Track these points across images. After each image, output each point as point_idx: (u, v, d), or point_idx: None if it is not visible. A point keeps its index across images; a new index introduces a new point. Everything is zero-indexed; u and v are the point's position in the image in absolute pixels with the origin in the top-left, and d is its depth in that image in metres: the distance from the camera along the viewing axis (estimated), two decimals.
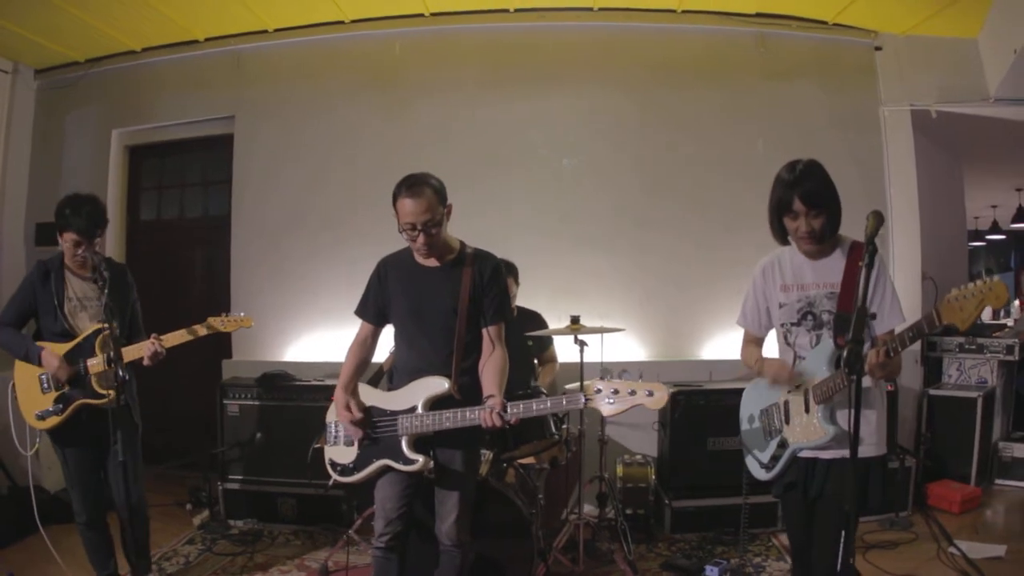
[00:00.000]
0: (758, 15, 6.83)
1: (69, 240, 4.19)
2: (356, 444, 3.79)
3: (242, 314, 4.44)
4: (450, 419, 3.54)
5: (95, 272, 3.96)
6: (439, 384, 3.62)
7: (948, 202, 8.30)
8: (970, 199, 10.30)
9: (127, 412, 4.15)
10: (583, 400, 3.32)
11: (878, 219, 3.08)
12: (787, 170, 3.27)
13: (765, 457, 3.50)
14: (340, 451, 3.85)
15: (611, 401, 3.26)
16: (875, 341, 3.21)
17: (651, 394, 3.22)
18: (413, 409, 3.63)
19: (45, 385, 4.25)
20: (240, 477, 6.11)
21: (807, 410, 3.28)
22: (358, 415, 3.70)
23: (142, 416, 4.46)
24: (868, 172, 6.77)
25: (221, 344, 6.73)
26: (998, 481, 6.66)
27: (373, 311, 3.88)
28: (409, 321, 3.78)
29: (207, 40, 7.30)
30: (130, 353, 4.14)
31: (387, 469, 3.70)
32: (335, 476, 3.88)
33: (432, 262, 3.73)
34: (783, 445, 3.40)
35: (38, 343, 4.26)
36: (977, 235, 16.09)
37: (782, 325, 3.47)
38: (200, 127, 7.54)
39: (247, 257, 7.20)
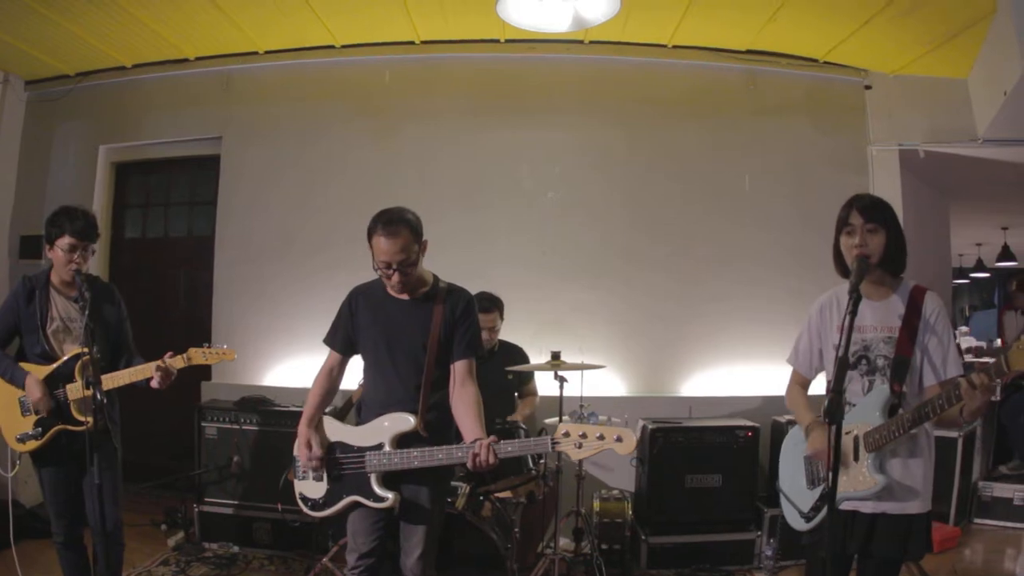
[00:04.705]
0: (749, 52, 6.86)
1: (64, 245, 4.09)
2: (325, 479, 3.74)
3: (225, 346, 4.29)
4: (418, 458, 3.51)
5: (78, 291, 3.93)
6: (405, 421, 3.59)
7: (934, 240, 8.36)
8: (955, 237, 10.36)
9: (107, 435, 4.10)
10: (551, 444, 3.29)
11: (863, 265, 3.09)
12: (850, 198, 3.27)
13: (805, 506, 3.38)
14: (310, 486, 3.80)
15: (579, 446, 3.23)
16: (925, 392, 3.13)
17: (620, 440, 3.20)
18: (380, 446, 3.60)
19: (25, 408, 4.17)
20: (216, 500, 6.07)
21: (856, 458, 3.14)
22: (317, 452, 3.68)
23: (121, 436, 4.37)
24: None
25: (201, 365, 6.70)
26: (977, 520, 6.66)
27: (341, 341, 3.86)
28: (378, 353, 3.74)
29: (197, 59, 7.28)
30: (125, 377, 4.14)
31: (357, 505, 3.66)
32: (306, 510, 3.84)
33: (405, 295, 3.71)
34: None
35: (22, 364, 4.18)
36: (962, 272, 16.23)
37: None
38: (187, 146, 7.51)
39: (230, 278, 7.16)
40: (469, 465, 3.37)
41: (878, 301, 3.25)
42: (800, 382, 3.63)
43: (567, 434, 3.26)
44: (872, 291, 3.24)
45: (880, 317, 3.23)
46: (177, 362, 4.15)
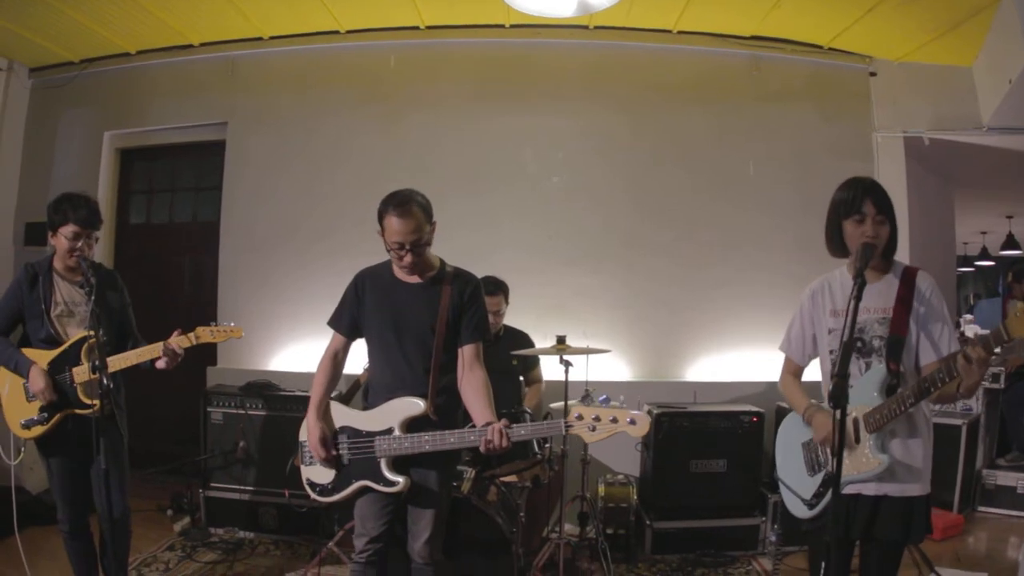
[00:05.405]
0: (753, 38, 6.84)
1: (68, 233, 4.07)
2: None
3: (232, 324, 4.27)
4: (430, 442, 3.51)
5: (83, 277, 3.91)
6: (415, 405, 3.59)
7: (938, 228, 8.34)
8: (960, 225, 10.34)
9: (113, 421, 4.09)
10: (564, 427, 3.29)
11: (868, 250, 3.08)
12: (853, 181, 3.25)
13: (808, 493, 3.36)
14: (317, 471, 3.80)
15: (592, 428, 3.23)
16: (923, 370, 3.12)
17: (633, 422, 3.19)
18: (390, 431, 3.60)
19: (31, 394, 4.13)
20: (222, 485, 6.08)
21: (857, 440, 3.12)
22: (334, 454, 3.71)
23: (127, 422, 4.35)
24: None
25: (206, 350, 6.69)
26: (981, 508, 6.65)
27: (347, 323, 3.85)
28: (385, 337, 3.74)
29: (202, 45, 7.27)
30: (132, 358, 4.12)
31: (366, 489, 3.66)
32: (314, 496, 3.83)
33: (412, 278, 3.72)
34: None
35: (23, 350, 4.15)
36: (966, 260, 16.19)
37: (831, 352, 3.33)
38: (192, 132, 7.51)
39: (235, 264, 7.17)
40: (482, 449, 3.37)
41: (872, 284, 3.24)
42: (792, 370, 3.63)
43: (580, 416, 3.25)
44: (868, 275, 3.21)
45: (874, 299, 3.23)
46: (184, 341, 4.14)
